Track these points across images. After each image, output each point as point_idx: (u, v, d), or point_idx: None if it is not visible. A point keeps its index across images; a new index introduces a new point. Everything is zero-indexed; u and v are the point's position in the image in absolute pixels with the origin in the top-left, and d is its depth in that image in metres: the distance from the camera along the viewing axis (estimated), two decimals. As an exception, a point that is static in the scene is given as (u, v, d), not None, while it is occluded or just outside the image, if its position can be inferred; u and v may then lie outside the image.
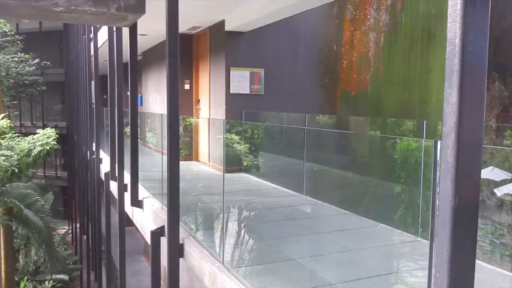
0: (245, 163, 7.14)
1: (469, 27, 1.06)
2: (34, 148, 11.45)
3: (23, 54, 17.93)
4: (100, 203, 9.58)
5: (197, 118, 8.80)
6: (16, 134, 12.81)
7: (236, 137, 6.70)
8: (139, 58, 10.92)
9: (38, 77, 19.42)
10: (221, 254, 3.46)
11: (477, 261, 1.17)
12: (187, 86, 8.83)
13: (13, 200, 9.87)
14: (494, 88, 3.68)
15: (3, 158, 10.69)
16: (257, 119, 7.86)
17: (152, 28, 7.78)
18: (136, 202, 5.54)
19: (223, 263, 3.33)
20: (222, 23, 7.46)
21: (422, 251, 3.52)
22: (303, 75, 8.24)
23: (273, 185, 6.54)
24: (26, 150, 11.34)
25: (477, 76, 1.09)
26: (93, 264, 11.61)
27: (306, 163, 5.83)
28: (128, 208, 6.09)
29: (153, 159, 6.62)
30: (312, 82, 8.39)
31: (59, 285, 12.06)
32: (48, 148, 11.54)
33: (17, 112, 21.37)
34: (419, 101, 8.15)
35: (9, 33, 17.30)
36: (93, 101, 10.59)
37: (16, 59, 17.59)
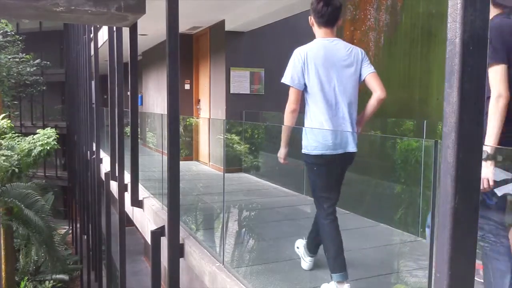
0: (245, 163, 7.14)
1: (469, 27, 1.06)
2: (34, 148, 11.46)
3: (24, 54, 17.92)
4: (100, 203, 9.58)
5: (197, 118, 8.80)
6: (17, 134, 12.84)
7: (236, 137, 6.69)
8: (139, 58, 10.92)
9: (38, 77, 19.42)
10: (221, 254, 3.46)
11: (477, 261, 1.17)
12: (187, 86, 8.83)
13: (14, 200, 9.89)
14: (494, 88, 3.67)
15: (4, 158, 10.71)
16: (257, 119, 7.84)
17: (152, 28, 7.78)
18: (136, 202, 5.54)
19: (223, 263, 3.33)
20: (222, 23, 7.45)
21: (422, 251, 3.52)
22: (303, 75, 8.21)
23: (273, 185, 6.53)
24: (26, 150, 11.36)
25: (477, 76, 1.09)
26: (93, 264, 11.60)
27: (306, 163, 5.81)
28: (128, 208, 6.09)
29: (153, 159, 6.62)
30: (312, 82, 8.36)
31: (59, 285, 12.07)
32: (48, 148, 11.57)
33: (17, 112, 21.36)
34: (419, 101, 8.14)
35: (9, 33, 17.30)
36: (93, 101, 10.58)
37: (17, 59, 17.59)
